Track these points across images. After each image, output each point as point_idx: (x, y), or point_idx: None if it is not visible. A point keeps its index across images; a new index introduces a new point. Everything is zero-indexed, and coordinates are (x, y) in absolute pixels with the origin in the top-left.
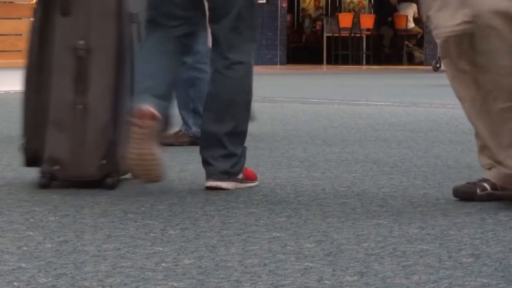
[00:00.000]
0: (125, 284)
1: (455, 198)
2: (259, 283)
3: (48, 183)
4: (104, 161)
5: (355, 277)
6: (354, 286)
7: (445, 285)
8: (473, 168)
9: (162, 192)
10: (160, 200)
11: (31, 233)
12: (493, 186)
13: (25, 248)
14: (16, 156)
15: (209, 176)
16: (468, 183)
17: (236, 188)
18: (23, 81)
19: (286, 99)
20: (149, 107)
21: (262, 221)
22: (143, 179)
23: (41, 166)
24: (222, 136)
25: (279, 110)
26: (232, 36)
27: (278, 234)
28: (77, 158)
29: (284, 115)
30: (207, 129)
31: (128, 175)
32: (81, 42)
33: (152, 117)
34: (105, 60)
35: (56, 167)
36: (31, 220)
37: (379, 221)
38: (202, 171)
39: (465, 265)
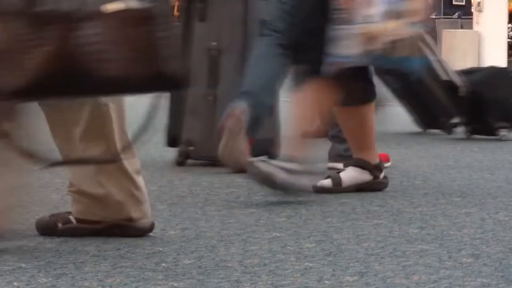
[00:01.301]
0: (125, 284)
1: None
2: (259, 283)
3: (183, 161)
4: None
5: (355, 277)
6: (354, 286)
7: (445, 285)
8: (473, 168)
9: (162, 192)
10: (160, 200)
11: (31, 233)
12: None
13: (25, 248)
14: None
15: None
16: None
17: None
18: None
19: (286, 99)
20: (239, 109)
21: (262, 221)
22: (232, 169)
23: (179, 146)
24: None
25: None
26: None
27: (278, 234)
28: (207, 141)
29: (284, 115)
30: None
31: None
32: (214, 43)
33: (239, 118)
34: (233, 59)
35: (191, 148)
36: (31, 220)
37: (379, 221)
38: (202, 171)
39: (465, 265)
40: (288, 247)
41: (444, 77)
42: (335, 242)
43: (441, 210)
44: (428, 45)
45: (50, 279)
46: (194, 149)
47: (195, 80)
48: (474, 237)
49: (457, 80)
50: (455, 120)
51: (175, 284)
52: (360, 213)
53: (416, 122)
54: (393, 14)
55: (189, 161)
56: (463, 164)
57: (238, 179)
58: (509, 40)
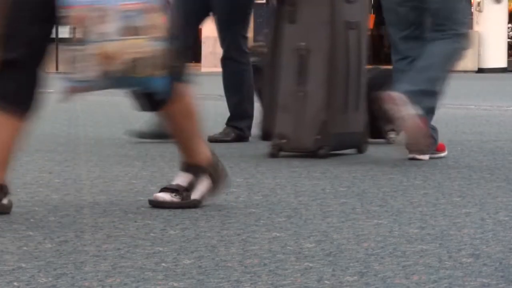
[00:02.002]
0: (125, 284)
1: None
2: (259, 283)
3: (276, 153)
4: (318, 137)
5: (355, 277)
6: (354, 286)
7: (445, 285)
8: (473, 168)
9: None
10: None
11: (31, 233)
12: None
13: (25, 248)
14: (16, 156)
15: None
16: None
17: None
18: (261, 75)
19: None
20: (396, 93)
21: (262, 221)
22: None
23: (272, 140)
24: None
25: None
26: None
27: (278, 234)
28: (298, 134)
29: None
30: None
31: (340, 151)
32: (303, 43)
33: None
34: (321, 59)
35: (283, 141)
36: (31, 220)
37: (379, 221)
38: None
39: (465, 265)
40: (288, 247)
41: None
42: (335, 242)
43: (441, 210)
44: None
45: (50, 279)
46: (286, 142)
47: (285, 78)
48: (474, 237)
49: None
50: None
51: (175, 284)
52: (360, 213)
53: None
54: (132, 30)
55: (282, 153)
56: (463, 164)
57: (238, 179)
58: (509, 40)
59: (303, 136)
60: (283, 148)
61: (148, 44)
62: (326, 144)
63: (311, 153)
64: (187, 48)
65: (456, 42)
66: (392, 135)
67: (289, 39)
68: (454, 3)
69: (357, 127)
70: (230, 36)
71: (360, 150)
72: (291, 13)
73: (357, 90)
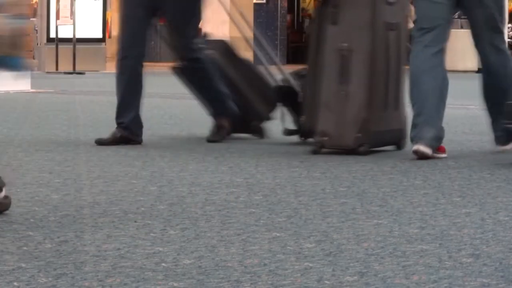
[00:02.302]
0: (125, 284)
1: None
2: (259, 283)
3: (318, 150)
4: (359, 134)
5: (355, 277)
6: (354, 286)
7: (445, 285)
8: (473, 168)
9: (162, 192)
10: (160, 200)
11: (31, 233)
12: None
13: (25, 248)
14: (16, 156)
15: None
16: None
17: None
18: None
19: None
20: (424, 148)
21: (262, 221)
22: None
23: (314, 137)
24: None
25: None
26: None
27: (278, 234)
28: (339, 132)
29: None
30: None
31: (389, 147)
32: (345, 44)
33: (426, 157)
34: (362, 59)
35: (325, 138)
36: (31, 220)
37: (379, 221)
38: (202, 171)
39: (465, 265)
40: (288, 247)
41: (281, 82)
42: (335, 242)
43: (441, 210)
44: (264, 47)
45: (50, 279)
46: (328, 140)
47: (327, 78)
48: (474, 237)
49: (295, 85)
50: (265, 123)
51: (175, 284)
52: (360, 213)
53: None
54: None
55: (324, 150)
56: (463, 164)
57: (238, 179)
58: (509, 40)
59: (345, 134)
60: (325, 145)
61: (7, 22)
62: (366, 142)
63: (352, 150)
64: (142, 55)
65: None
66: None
67: (332, 40)
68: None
69: (396, 125)
70: (185, 41)
71: (399, 147)
72: (333, 15)
73: (396, 89)
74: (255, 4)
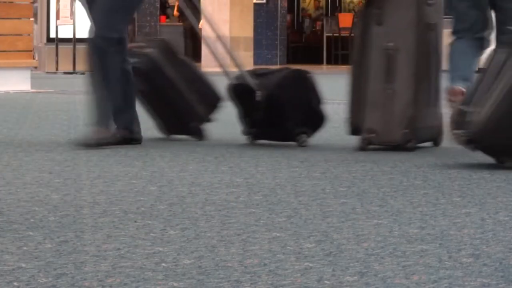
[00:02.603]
0: (125, 284)
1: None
2: (259, 283)
3: (366, 146)
4: (406, 131)
5: (355, 277)
6: (354, 286)
7: (445, 285)
8: (473, 168)
9: (162, 192)
10: (160, 200)
11: (31, 233)
12: None
13: (25, 248)
14: (16, 156)
15: None
16: None
17: None
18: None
19: None
20: (459, 87)
21: (262, 221)
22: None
23: (361, 134)
24: None
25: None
26: None
27: (278, 234)
28: (386, 128)
29: None
30: None
31: (427, 144)
32: (390, 44)
33: (461, 93)
34: (408, 58)
35: (372, 135)
36: (31, 220)
37: (379, 221)
38: (202, 171)
39: (465, 265)
40: (288, 247)
41: (238, 80)
42: (335, 242)
43: (441, 210)
44: (212, 50)
45: (50, 279)
46: (375, 136)
47: (374, 76)
48: (474, 237)
49: (253, 84)
50: (205, 124)
51: (175, 284)
52: (360, 213)
53: (159, 127)
54: None
55: (371, 146)
56: (463, 164)
57: (238, 179)
58: None
59: (392, 130)
60: (372, 141)
61: None
62: (413, 138)
63: (399, 146)
64: (124, 38)
65: None
66: (303, 137)
67: (377, 39)
68: None
69: (435, 121)
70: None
71: (436, 143)
72: (378, 16)
73: (436, 87)
74: (255, 4)
